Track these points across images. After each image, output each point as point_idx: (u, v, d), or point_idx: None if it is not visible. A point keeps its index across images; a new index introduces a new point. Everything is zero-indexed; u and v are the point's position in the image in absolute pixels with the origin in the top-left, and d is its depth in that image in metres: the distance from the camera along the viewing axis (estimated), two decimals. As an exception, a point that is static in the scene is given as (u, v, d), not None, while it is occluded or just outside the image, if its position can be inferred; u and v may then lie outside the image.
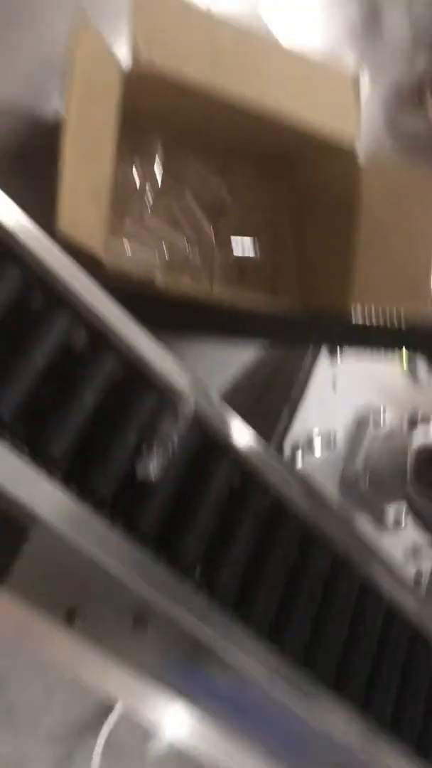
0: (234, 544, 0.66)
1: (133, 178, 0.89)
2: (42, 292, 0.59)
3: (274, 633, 0.68)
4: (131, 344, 0.61)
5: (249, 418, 0.75)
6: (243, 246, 0.96)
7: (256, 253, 0.97)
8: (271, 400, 1.01)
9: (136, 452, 0.61)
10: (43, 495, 0.54)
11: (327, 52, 1.69)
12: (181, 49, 0.78)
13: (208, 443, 0.67)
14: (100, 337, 0.61)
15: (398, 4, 1.86)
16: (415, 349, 0.74)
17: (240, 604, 0.65)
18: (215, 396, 0.66)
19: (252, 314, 0.75)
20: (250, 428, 0.69)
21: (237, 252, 0.96)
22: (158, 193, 0.91)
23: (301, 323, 0.73)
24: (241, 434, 0.68)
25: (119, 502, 0.59)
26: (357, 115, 0.92)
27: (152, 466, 0.60)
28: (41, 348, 0.57)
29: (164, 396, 0.63)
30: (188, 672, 0.73)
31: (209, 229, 0.94)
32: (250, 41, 0.85)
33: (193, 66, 0.79)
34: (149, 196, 0.90)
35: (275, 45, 0.88)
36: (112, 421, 0.61)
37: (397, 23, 1.83)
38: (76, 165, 0.67)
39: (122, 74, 0.76)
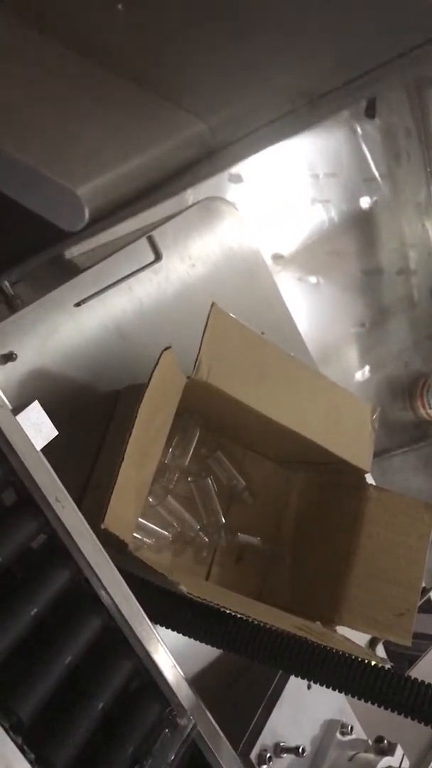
0: None
1: (164, 459, 0.97)
2: (81, 591, 0.63)
3: None
4: (151, 654, 0.65)
5: (219, 707, 0.76)
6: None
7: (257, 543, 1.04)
8: (244, 689, 1.02)
9: (133, 762, 0.62)
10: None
11: (334, 344, 1.89)
12: (234, 371, 0.90)
13: (196, 762, 0.68)
14: (123, 643, 0.65)
15: (403, 309, 2.10)
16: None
17: None
18: (210, 717, 0.69)
19: (240, 629, 0.77)
20: (233, 751, 0.71)
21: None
22: (182, 476, 0.99)
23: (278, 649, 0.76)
24: (227, 757, 0.69)
25: None
26: (370, 445, 1.03)
27: (144, 789, 0.61)
28: (73, 649, 0.60)
29: (168, 709, 0.66)
30: None
31: (221, 516, 1.01)
32: (292, 368, 0.98)
33: (240, 386, 0.91)
34: (174, 479, 0.98)
35: (312, 372, 1.01)
36: (116, 731, 0.63)
37: (400, 326, 2.06)
38: (130, 469, 0.75)
39: (185, 383, 0.86)
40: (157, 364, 0.77)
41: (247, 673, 1.03)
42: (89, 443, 0.93)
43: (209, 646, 1.00)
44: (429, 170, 2.20)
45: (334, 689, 0.75)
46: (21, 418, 0.58)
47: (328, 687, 0.76)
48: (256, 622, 0.76)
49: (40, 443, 0.59)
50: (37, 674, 0.58)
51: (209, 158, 0.47)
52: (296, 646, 0.74)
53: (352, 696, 0.75)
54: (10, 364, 0.87)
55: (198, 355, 0.87)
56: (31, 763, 0.55)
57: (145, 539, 0.94)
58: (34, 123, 0.48)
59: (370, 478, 1.05)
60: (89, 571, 0.62)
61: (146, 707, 0.65)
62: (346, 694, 0.75)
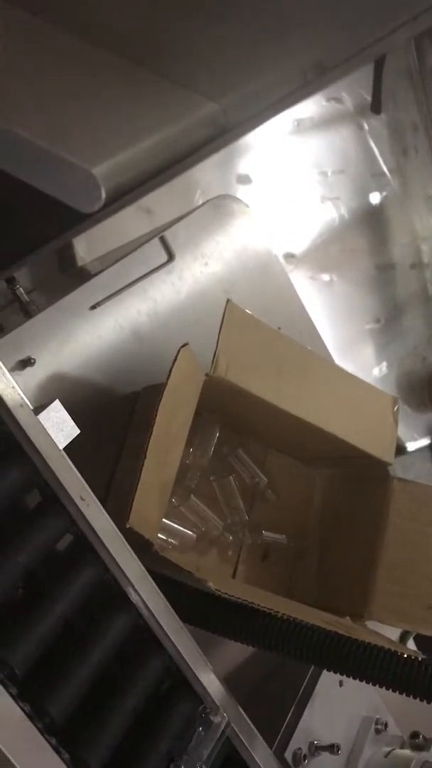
0: None
1: (186, 459, 0.97)
2: (108, 589, 0.63)
3: None
4: (182, 652, 0.64)
5: (251, 707, 0.75)
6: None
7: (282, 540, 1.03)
8: (276, 689, 1.01)
9: (168, 761, 0.61)
10: None
11: (350, 341, 1.88)
12: (252, 366, 0.90)
13: (232, 761, 0.67)
14: (153, 641, 0.64)
15: (418, 303, 2.08)
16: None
17: None
18: (244, 714, 0.68)
19: (269, 624, 0.77)
20: (268, 748, 0.70)
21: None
22: (204, 475, 0.99)
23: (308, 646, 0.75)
24: (263, 754, 0.69)
25: None
26: (393, 436, 1.02)
27: (181, 786, 0.60)
28: (101, 651, 0.60)
29: (201, 707, 0.65)
30: None
31: (244, 514, 1.01)
32: (310, 361, 0.98)
33: (259, 381, 0.90)
34: (196, 479, 0.97)
35: (331, 366, 1.01)
36: (148, 727, 0.62)
37: (416, 320, 2.05)
38: (152, 467, 0.75)
39: (203, 380, 0.86)
40: (175, 361, 0.77)
41: (278, 672, 1.03)
42: (110, 445, 0.92)
43: (239, 647, 0.99)
44: (438, 164, 2.18)
45: (367, 682, 0.74)
46: (42, 417, 0.58)
47: (361, 680, 0.75)
48: (285, 617, 0.75)
49: (62, 442, 0.59)
50: (67, 674, 0.57)
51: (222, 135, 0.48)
52: (327, 639, 0.73)
53: (386, 688, 0.74)
54: (28, 369, 0.88)
55: (215, 352, 0.86)
56: (66, 763, 0.55)
57: (169, 540, 0.93)
58: (44, 106, 0.49)
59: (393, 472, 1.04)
60: (116, 568, 0.62)
61: (179, 705, 0.64)
62: (380, 686, 0.73)
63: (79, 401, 0.91)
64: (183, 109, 0.48)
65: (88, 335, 0.93)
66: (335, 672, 0.79)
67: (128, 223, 1.41)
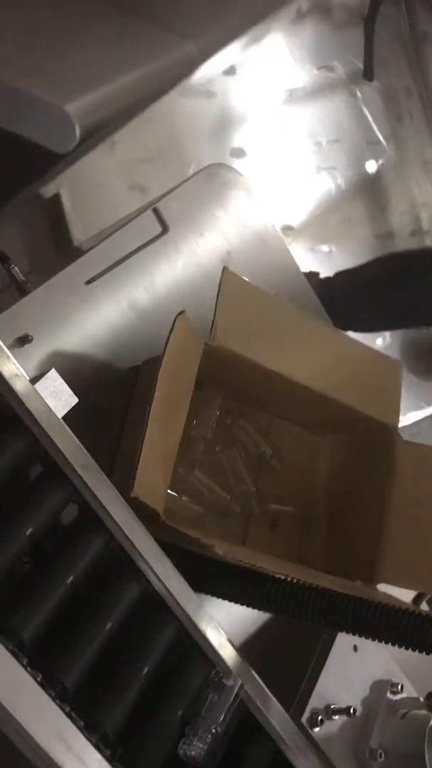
0: None
1: (189, 431, 0.96)
2: (116, 557, 0.63)
3: None
4: (193, 619, 0.64)
5: (266, 674, 0.75)
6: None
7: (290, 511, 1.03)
8: (289, 657, 1.01)
9: (181, 731, 0.61)
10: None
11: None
12: (252, 334, 0.89)
13: (247, 724, 0.67)
14: (163, 607, 0.64)
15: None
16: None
17: None
18: (257, 677, 0.68)
19: (276, 586, 0.77)
20: (283, 711, 0.70)
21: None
22: (208, 447, 0.98)
23: (321, 600, 0.75)
24: (278, 716, 0.69)
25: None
26: (397, 399, 1.01)
27: (195, 749, 0.60)
28: (111, 617, 0.60)
29: (213, 671, 0.65)
30: None
31: (250, 484, 1.00)
32: (311, 327, 0.97)
33: (259, 349, 0.90)
34: (200, 450, 0.97)
35: (332, 331, 1.00)
36: (161, 693, 0.62)
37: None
38: (155, 434, 0.74)
39: (202, 350, 0.85)
40: (172, 329, 0.77)
41: (291, 640, 1.03)
42: (112, 420, 0.92)
43: (252, 617, 0.99)
44: (434, 128, 2.16)
45: (387, 642, 0.74)
46: (39, 386, 0.58)
47: (380, 640, 0.75)
48: (296, 581, 0.75)
49: (61, 410, 0.59)
50: (78, 643, 0.57)
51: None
52: (339, 600, 0.73)
53: (399, 646, 0.74)
54: (26, 346, 0.87)
55: (213, 321, 0.86)
56: (80, 730, 0.55)
57: (176, 512, 0.93)
58: (16, 45, 0.48)
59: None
60: (122, 536, 0.62)
61: (191, 670, 0.64)
62: (399, 646, 0.73)
63: (79, 377, 0.90)
64: (160, 48, 0.47)
65: (85, 310, 0.92)
66: (353, 633, 0.79)
67: (123, 202, 1.40)
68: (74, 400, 0.60)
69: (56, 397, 0.59)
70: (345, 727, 0.95)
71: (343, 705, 0.95)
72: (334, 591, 0.74)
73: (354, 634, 0.76)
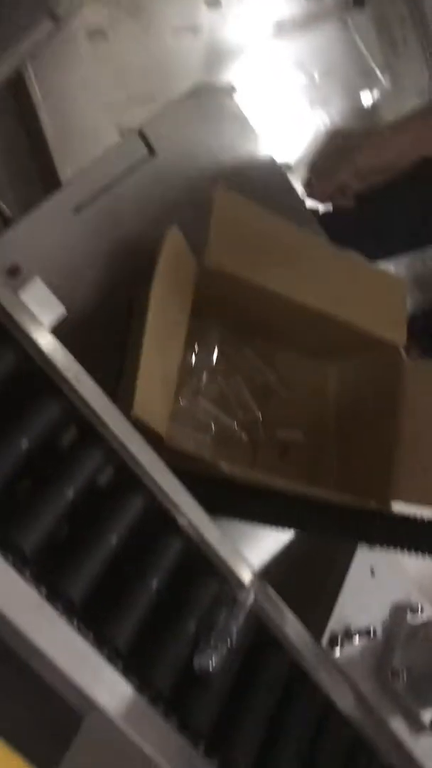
0: (285, 749, 0.63)
1: (190, 360, 0.94)
2: (118, 471, 0.61)
3: None
4: (201, 532, 0.62)
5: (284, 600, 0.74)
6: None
7: (299, 437, 1.00)
8: (306, 583, 1.00)
9: (195, 643, 0.60)
10: (105, 684, 0.53)
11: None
12: (249, 253, 0.86)
13: (263, 637, 0.66)
14: (169, 520, 0.62)
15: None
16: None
17: None
18: (271, 590, 0.66)
19: (289, 502, 0.76)
20: (300, 625, 0.68)
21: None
22: (211, 376, 0.96)
23: (337, 514, 0.74)
24: (295, 629, 0.67)
25: (175, 695, 0.58)
26: (403, 318, 0.98)
27: (210, 660, 0.59)
28: (115, 530, 0.58)
29: (225, 585, 0.63)
30: None
31: (257, 411, 0.98)
32: (312, 246, 0.93)
33: (258, 269, 0.86)
34: (203, 379, 0.94)
35: (333, 251, 0.96)
36: (174, 607, 0.61)
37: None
38: (152, 353, 0.72)
39: (196, 271, 0.82)
40: (162, 244, 0.73)
41: (307, 567, 1.01)
42: (111, 351, 0.89)
43: (266, 547, 0.98)
44: (429, 54, 2.09)
45: (398, 549, 0.72)
46: (25, 295, 0.55)
47: (392, 547, 0.73)
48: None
49: (47, 319, 0.56)
50: (82, 555, 0.56)
51: None
52: (352, 511, 0.71)
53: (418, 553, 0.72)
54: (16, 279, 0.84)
55: (207, 240, 0.82)
56: (90, 643, 0.54)
57: (182, 443, 0.91)
58: None
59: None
60: (122, 449, 0.59)
61: (203, 585, 0.63)
62: (411, 551, 0.72)
63: (74, 309, 0.87)
64: None
65: (75, 239, 0.89)
66: (367, 542, 0.78)
67: (110, 142, 1.36)
68: (61, 308, 0.58)
69: (42, 305, 0.56)
70: (365, 650, 0.94)
71: (363, 627, 0.94)
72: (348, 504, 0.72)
73: (372, 544, 0.75)
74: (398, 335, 0.97)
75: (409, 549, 0.72)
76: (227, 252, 0.83)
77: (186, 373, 0.94)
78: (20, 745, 0.52)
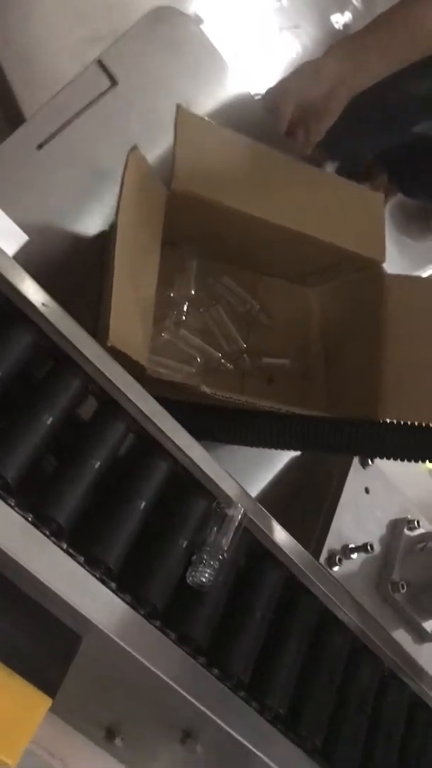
0: (284, 658, 0.64)
1: (169, 292, 0.93)
2: (99, 399, 0.61)
3: (327, 750, 0.65)
4: (185, 452, 0.62)
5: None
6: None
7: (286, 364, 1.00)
8: (301, 508, 1.01)
9: (188, 557, 0.61)
10: (100, 603, 0.54)
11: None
12: (218, 176, 0.84)
13: (255, 550, 0.66)
14: (155, 445, 0.62)
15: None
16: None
17: (290, 719, 0.63)
18: (259, 505, 0.67)
19: (279, 419, 0.77)
20: (291, 538, 0.69)
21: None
22: (192, 307, 0.95)
23: (328, 429, 0.74)
24: (289, 544, 0.68)
25: (171, 611, 0.59)
26: (382, 234, 0.97)
27: (203, 575, 0.59)
28: (97, 455, 0.58)
29: (214, 503, 0.64)
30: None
31: (241, 341, 0.97)
32: (283, 163, 0.91)
33: (229, 192, 0.85)
34: (184, 311, 0.93)
35: (308, 167, 0.94)
36: (164, 527, 0.61)
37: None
38: (124, 281, 0.71)
39: (166, 196, 0.81)
40: (126, 167, 0.72)
41: (301, 493, 1.02)
42: (89, 290, 0.88)
43: (261, 475, 0.99)
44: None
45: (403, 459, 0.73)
46: (-16, 225, 0.54)
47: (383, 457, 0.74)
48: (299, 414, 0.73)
49: (10, 248, 0.55)
50: (66, 480, 0.56)
51: None
52: (341, 423, 0.72)
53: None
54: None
55: (173, 164, 0.81)
56: (81, 565, 0.54)
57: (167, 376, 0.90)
58: None
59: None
60: (97, 373, 0.59)
61: (191, 504, 0.63)
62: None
63: (45, 250, 0.86)
64: None
65: (41, 177, 0.87)
66: (365, 455, 0.77)
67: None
68: (24, 237, 0.57)
69: (5, 235, 0.55)
70: (364, 566, 0.96)
71: (360, 544, 0.95)
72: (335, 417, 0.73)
73: (361, 454, 0.75)
74: (378, 252, 0.96)
75: (400, 456, 0.72)
76: (196, 175, 0.81)
77: (166, 305, 0.93)
78: (22, 668, 0.53)
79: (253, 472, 0.98)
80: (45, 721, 0.69)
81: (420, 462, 0.71)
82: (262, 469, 0.98)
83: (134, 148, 0.73)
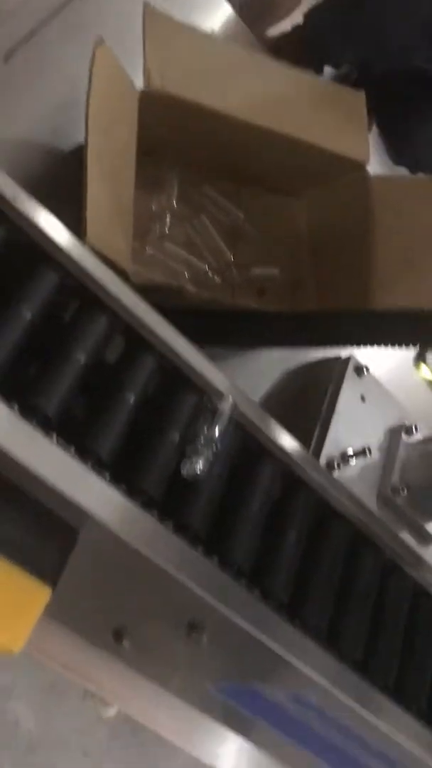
0: (284, 543, 0.64)
1: (150, 205, 0.91)
2: (80, 296, 0.60)
3: (331, 638, 0.66)
4: (171, 346, 0.61)
5: None
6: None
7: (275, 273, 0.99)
8: (298, 418, 1.00)
9: (181, 451, 0.60)
10: (94, 493, 0.53)
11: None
12: (193, 75, 0.81)
13: (249, 444, 0.66)
14: (140, 340, 0.61)
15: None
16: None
17: (293, 607, 0.64)
18: (250, 398, 0.66)
19: (272, 316, 0.76)
20: (285, 431, 0.69)
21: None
22: (175, 220, 0.93)
23: (320, 322, 0.73)
24: (283, 438, 0.67)
25: (167, 501, 0.58)
26: (365, 133, 0.94)
27: (197, 465, 0.59)
28: (82, 348, 0.57)
29: (204, 396, 0.63)
30: (245, 691, 0.71)
31: (228, 253, 0.96)
32: (259, 63, 0.89)
33: (205, 92, 0.82)
34: (167, 223, 0.91)
35: (285, 67, 0.91)
36: (155, 421, 0.61)
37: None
38: (99, 182, 0.69)
39: (138, 98, 0.78)
40: (92, 62, 0.69)
41: (298, 402, 1.02)
42: (67, 212, 0.86)
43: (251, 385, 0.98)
44: None
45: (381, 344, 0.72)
46: None
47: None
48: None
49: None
50: (51, 370, 0.55)
51: None
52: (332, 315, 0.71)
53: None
54: None
55: (144, 64, 0.78)
56: (72, 455, 0.54)
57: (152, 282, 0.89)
58: None
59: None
60: (77, 270, 0.58)
61: (181, 398, 0.62)
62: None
63: (22, 169, 0.84)
64: None
65: (10, 91, 0.84)
66: (361, 344, 0.77)
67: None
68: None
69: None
70: (364, 471, 0.96)
71: (359, 449, 0.95)
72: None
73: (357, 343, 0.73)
74: (362, 152, 0.94)
75: (395, 341, 0.71)
76: (168, 75, 0.79)
77: (148, 219, 0.91)
78: (19, 560, 0.53)
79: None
80: (57, 637, 0.70)
81: (413, 346, 0.70)
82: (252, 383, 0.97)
83: (100, 42, 0.70)
